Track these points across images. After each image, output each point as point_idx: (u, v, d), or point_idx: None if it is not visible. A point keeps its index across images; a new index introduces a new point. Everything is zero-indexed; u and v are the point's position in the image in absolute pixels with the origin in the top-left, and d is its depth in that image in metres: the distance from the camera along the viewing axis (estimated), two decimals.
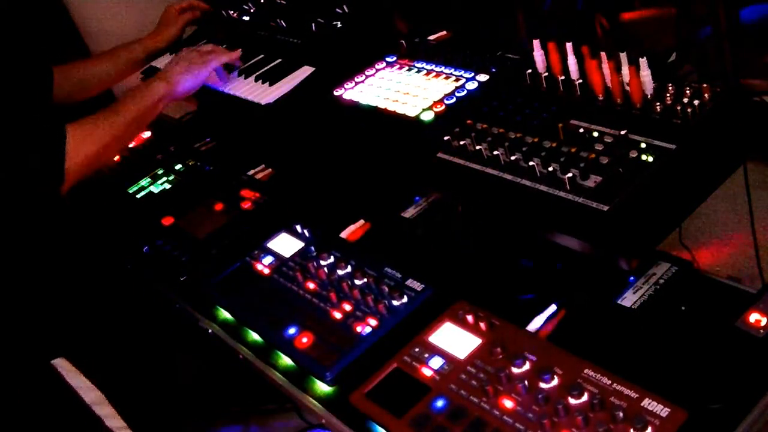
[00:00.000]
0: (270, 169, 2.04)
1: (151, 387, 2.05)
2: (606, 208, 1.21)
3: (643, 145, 1.27)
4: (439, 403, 1.24)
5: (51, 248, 1.84)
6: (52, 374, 1.69)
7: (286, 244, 1.69)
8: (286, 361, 1.46)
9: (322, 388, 1.38)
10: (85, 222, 2.03)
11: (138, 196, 2.10)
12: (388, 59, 1.84)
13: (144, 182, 2.14)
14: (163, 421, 2.03)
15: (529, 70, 1.55)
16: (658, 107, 1.34)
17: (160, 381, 2.14)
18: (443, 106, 1.58)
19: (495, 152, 1.39)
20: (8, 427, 1.64)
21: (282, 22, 2.18)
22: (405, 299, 1.45)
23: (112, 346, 1.94)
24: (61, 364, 1.70)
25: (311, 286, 1.55)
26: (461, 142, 1.45)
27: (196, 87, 1.97)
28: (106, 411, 1.69)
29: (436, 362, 1.31)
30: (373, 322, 1.43)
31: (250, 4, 2.34)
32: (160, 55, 2.32)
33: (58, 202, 1.70)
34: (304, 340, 1.44)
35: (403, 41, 1.85)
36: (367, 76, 1.80)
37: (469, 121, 1.50)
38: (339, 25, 2.02)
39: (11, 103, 1.67)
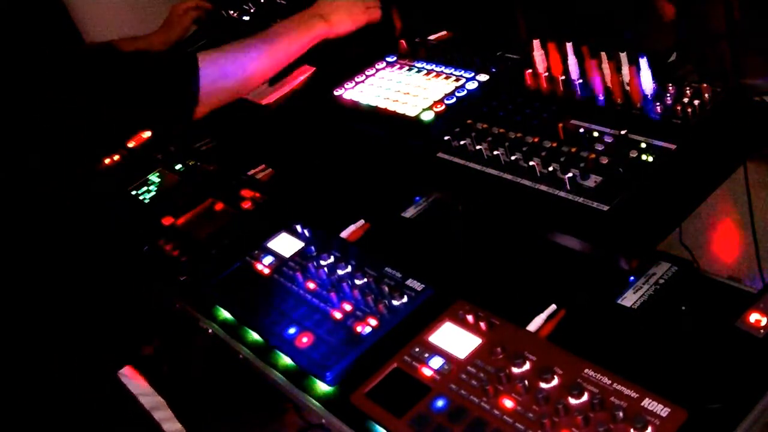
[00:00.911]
0: (270, 169, 2.05)
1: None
2: (606, 208, 1.21)
3: (643, 145, 1.27)
4: (439, 403, 1.24)
5: (58, 251, 1.84)
6: (114, 382, 1.68)
7: (286, 244, 1.70)
8: (286, 361, 1.46)
9: (322, 388, 1.38)
10: (85, 223, 2.03)
11: (138, 195, 2.11)
12: (388, 59, 1.84)
13: (144, 182, 2.14)
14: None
15: (529, 70, 1.55)
16: (658, 107, 1.34)
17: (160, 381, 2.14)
18: (443, 106, 1.58)
19: (495, 152, 1.39)
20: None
21: None
22: (405, 299, 1.45)
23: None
24: (124, 372, 1.70)
25: (311, 286, 1.55)
26: (461, 142, 1.45)
27: (353, 31, 1.85)
28: (164, 415, 1.69)
29: (436, 362, 1.31)
30: (373, 322, 1.43)
31: (250, 4, 2.35)
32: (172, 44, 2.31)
33: (63, 206, 1.68)
34: (304, 340, 1.44)
35: (403, 41, 1.85)
36: (367, 76, 1.80)
37: (469, 121, 1.50)
38: None
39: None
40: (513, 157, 1.37)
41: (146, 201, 2.08)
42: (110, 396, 1.67)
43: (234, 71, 1.63)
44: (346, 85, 1.79)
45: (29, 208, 1.65)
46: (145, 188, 2.12)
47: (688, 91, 1.33)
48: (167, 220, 1.94)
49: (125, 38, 2.29)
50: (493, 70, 1.63)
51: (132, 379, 1.70)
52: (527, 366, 1.24)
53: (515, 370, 1.24)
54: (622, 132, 1.31)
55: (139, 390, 1.69)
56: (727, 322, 1.24)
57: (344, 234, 1.70)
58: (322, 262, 1.59)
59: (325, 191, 1.91)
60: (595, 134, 1.35)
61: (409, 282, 1.49)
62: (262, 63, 1.68)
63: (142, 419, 1.67)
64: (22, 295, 1.67)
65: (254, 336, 1.54)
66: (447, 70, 1.70)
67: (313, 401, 1.37)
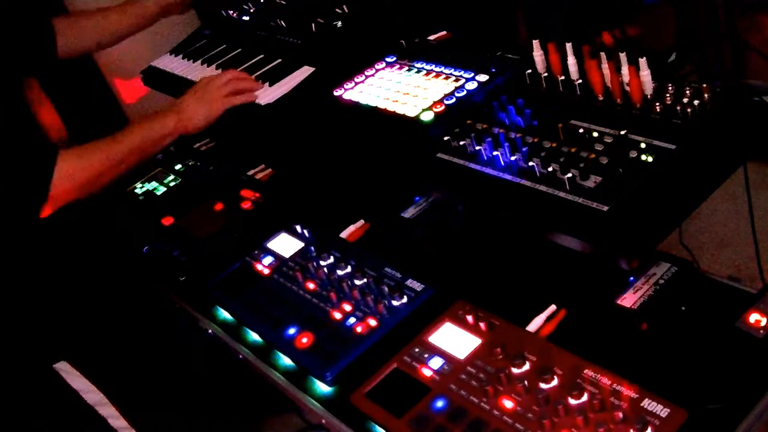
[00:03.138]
0: (270, 169, 2.05)
1: (152, 388, 2.05)
2: (606, 208, 1.21)
3: (643, 145, 1.27)
4: (439, 404, 1.24)
5: (50, 250, 1.84)
6: (54, 378, 1.68)
7: (286, 244, 1.70)
8: (286, 361, 1.46)
9: (322, 388, 1.38)
10: (85, 222, 2.03)
11: (138, 195, 2.10)
12: (388, 59, 1.84)
13: (144, 182, 2.14)
14: (163, 422, 2.03)
15: (529, 71, 1.55)
16: (658, 107, 1.34)
17: (160, 381, 2.14)
18: (443, 107, 1.58)
19: (495, 152, 1.39)
20: (12, 429, 1.64)
21: (282, 22, 2.18)
22: (405, 299, 1.45)
23: (113, 347, 1.93)
24: (63, 368, 1.70)
25: (311, 286, 1.55)
26: (461, 142, 1.45)
27: (209, 124, 1.88)
28: (109, 411, 1.69)
29: (436, 362, 1.31)
30: (373, 322, 1.43)
31: (250, 4, 2.34)
32: (172, 12, 2.29)
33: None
34: (304, 340, 1.44)
35: (403, 41, 1.85)
36: (367, 76, 1.80)
37: (469, 121, 1.50)
38: (339, 25, 2.02)
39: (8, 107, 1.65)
40: (513, 158, 1.37)
41: (146, 201, 2.08)
42: (49, 390, 1.68)
43: (87, 172, 1.67)
44: (346, 85, 1.79)
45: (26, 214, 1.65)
46: (145, 188, 2.12)
47: (688, 91, 1.33)
48: (167, 220, 1.94)
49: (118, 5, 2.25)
50: (493, 70, 1.63)
51: (72, 375, 1.70)
52: (527, 366, 1.24)
53: (515, 370, 1.24)
54: (622, 132, 1.31)
55: (81, 386, 1.69)
56: (727, 322, 1.24)
57: (344, 234, 1.70)
58: (322, 263, 1.59)
59: (325, 191, 1.91)
60: (595, 134, 1.35)
61: (409, 282, 1.49)
62: (115, 162, 1.72)
63: (87, 414, 1.67)
64: (19, 295, 1.68)
65: (254, 336, 1.54)
66: (447, 70, 1.70)
67: (313, 401, 1.37)
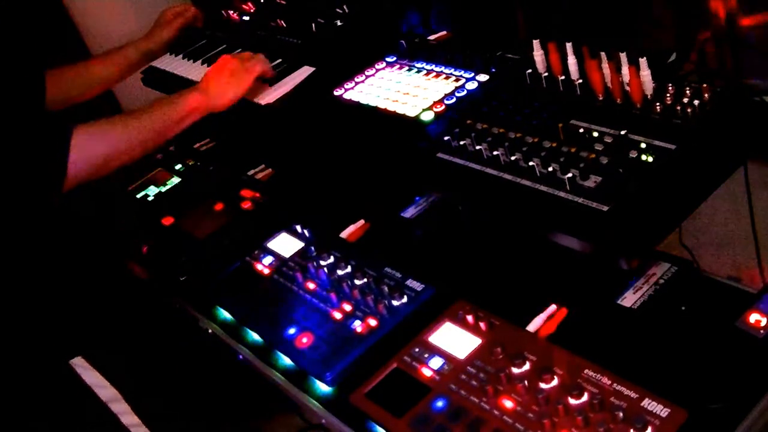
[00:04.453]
0: (270, 169, 2.05)
1: (155, 386, 2.05)
2: (606, 208, 1.21)
3: (643, 145, 1.27)
4: (439, 403, 1.24)
5: (50, 249, 1.83)
6: (68, 373, 1.68)
7: (286, 244, 1.70)
8: (286, 361, 1.46)
9: (322, 388, 1.38)
10: (86, 222, 2.03)
11: (138, 196, 2.10)
12: (388, 59, 1.84)
13: (144, 182, 2.14)
14: (162, 420, 2.03)
15: (529, 70, 1.55)
16: (658, 107, 1.34)
17: (161, 381, 2.14)
18: (443, 106, 1.58)
19: (495, 152, 1.39)
20: (26, 423, 1.64)
21: (282, 22, 2.18)
22: (405, 299, 1.45)
23: (118, 345, 1.93)
24: (78, 363, 1.70)
25: (311, 286, 1.55)
26: (461, 142, 1.45)
27: (237, 99, 1.83)
28: (121, 408, 1.69)
29: (436, 362, 1.31)
30: (373, 322, 1.43)
31: (250, 4, 2.35)
32: (155, 56, 2.30)
33: (58, 202, 1.68)
34: (304, 340, 1.44)
35: (403, 41, 1.85)
36: (367, 76, 1.80)
37: (469, 121, 1.50)
38: (339, 24, 2.02)
39: (11, 100, 1.64)
40: (513, 158, 1.37)
41: (146, 201, 2.08)
42: (64, 385, 1.68)
43: (106, 146, 1.62)
44: (346, 85, 1.79)
45: (31, 208, 1.65)
46: (145, 188, 2.12)
47: (688, 91, 1.33)
48: (167, 220, 1.94)
49: (113, 49, 2.26)
50: (493, 70, 1.63)
51: (86, 371, 1.70)
52: (527, 366, 1.24)
53: (515, 370, 1.24)
54: (622, 132, 1.31)
55: (95, 381, 1.69)
56: (727, 322, 1.24)
57: (344, 234, 1.70)
58: (322, 262, 1.59)
59: (325, 191, 1.91)
60: (595, 134, 1.35)
61: (409, 282, 1.49)
62: (135, 138, 1.68)
63: (100, 410, 1.67)
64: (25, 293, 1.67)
65: (254, 336, 1.54)
66: (447, 70, 1.70)
67: (313, 401, 1.37)
